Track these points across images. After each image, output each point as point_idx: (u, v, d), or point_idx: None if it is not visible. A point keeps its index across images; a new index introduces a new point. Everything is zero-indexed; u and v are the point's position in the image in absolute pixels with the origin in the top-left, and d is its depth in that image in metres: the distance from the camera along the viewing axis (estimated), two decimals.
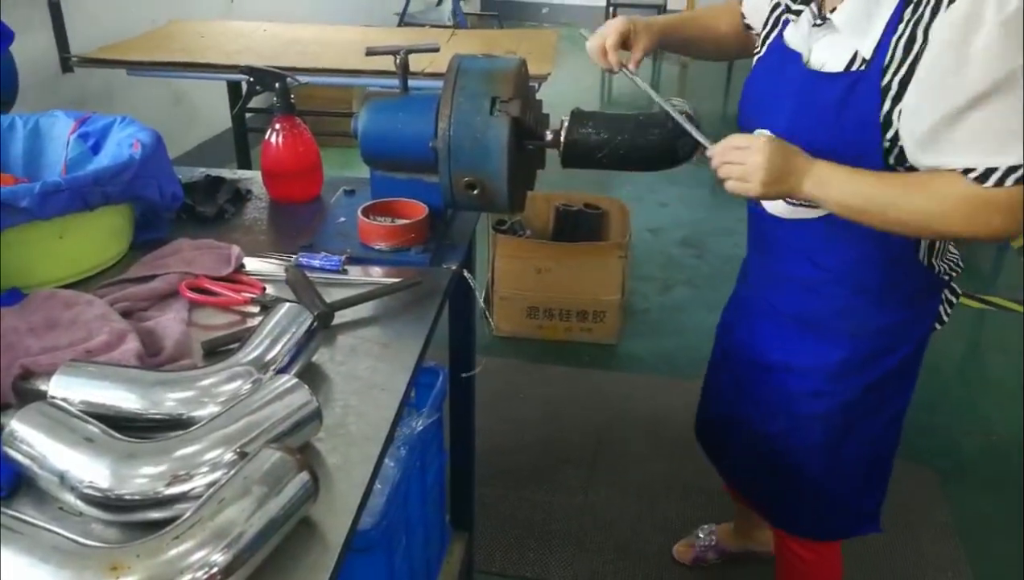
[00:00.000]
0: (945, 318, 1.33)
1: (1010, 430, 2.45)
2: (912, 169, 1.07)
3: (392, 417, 0.93)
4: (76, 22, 3.00)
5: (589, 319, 2.81)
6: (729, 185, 1.07)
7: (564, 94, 5.11)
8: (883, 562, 1.98)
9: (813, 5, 1.12)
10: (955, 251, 1.32)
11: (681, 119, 1.16)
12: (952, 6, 0.97)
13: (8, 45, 1.74)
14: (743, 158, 1.05)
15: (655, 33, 1.34)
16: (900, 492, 2.20)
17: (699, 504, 2.13)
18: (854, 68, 1.07)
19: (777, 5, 1.24)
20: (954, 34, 0.96)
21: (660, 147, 1.20)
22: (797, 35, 1.18)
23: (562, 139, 1.22)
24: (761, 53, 1.28)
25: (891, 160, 1.07)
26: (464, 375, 1.62)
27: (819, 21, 1.11)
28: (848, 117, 1.07)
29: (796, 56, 1.17)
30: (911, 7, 1.01)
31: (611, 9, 6.47)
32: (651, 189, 3.98)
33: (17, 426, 0.76)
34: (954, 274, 1.30)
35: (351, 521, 0.78)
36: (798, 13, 1.15)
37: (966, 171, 0.99)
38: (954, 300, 1.34)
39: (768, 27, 1.28)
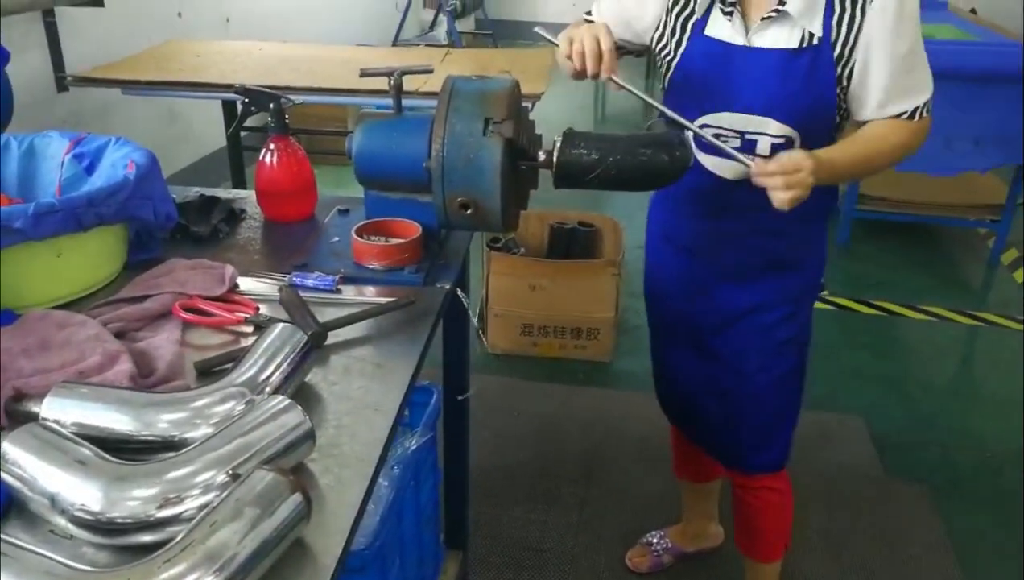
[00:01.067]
0: None
1: (1003, 446, 2.45)
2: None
3: (385, 438, 0.93)
4: (72, 41, 3.01)
5: (583, 336, 2.82)
6: (791, 202, 1.21)
7: (558, 112, 5.13)
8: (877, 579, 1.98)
9: (737, 7, 1.31)
10: None
11: (718, 143, 1.25)
12: None
13: (4, 65, 1.75)
14: (799, 181, 1.20)
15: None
16: (894, 509, 2.20)
17: None
18: (807, 45, 1.28)
19: (673, 10, 1.37)
20: (890, 8, 1.24)
21: (651, 167, 1.21)
22: (724, 29, 1.33)
23: (554, 160, 1.23)
24: (683, 50, 1.36)
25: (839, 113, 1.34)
26: (459, 398, 1.62)
27: (772, 14, 1.28)
28: (817, 80, 1.29)
29: (733, 46, 1.31)
30: None
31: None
32: (643, 206, 3.96)
33: (8, 448, 0.76)
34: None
35: (344, 542, 0.78)
36: (730, 13, 1.31)
37: (901, 114, 1.31)
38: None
39: (669, 30, 1.37)
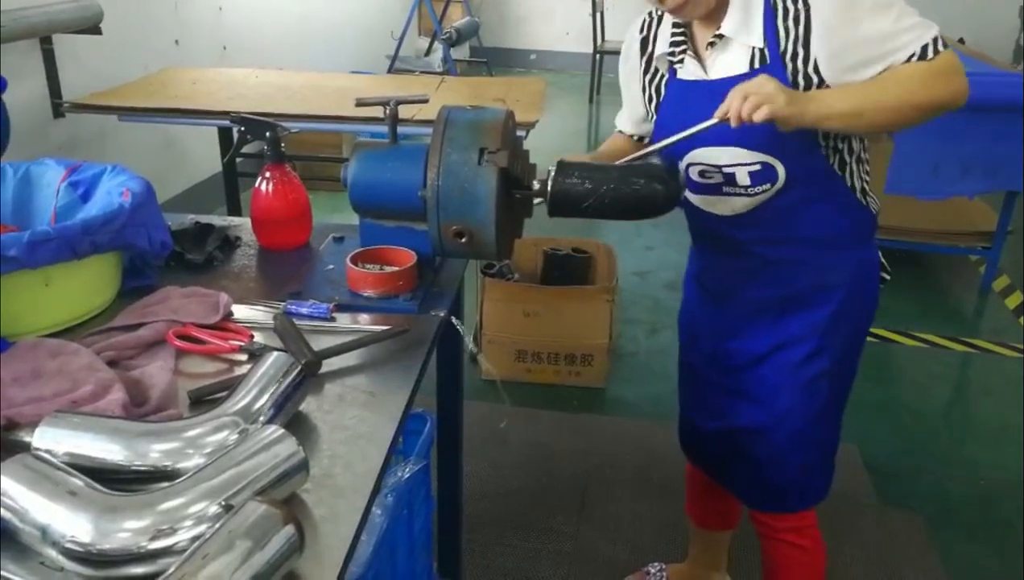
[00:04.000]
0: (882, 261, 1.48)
1: (997, 474, 2.45)
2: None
3: (379, 468, 0.92)
4: (69, 68, 3.03)
5: (577, 363, 2.82)
6: (762, 112, 1.16)
7: (552, 139, 5.17)
8: None
9: (688, 47, 1.33)
10: (875, 197, 1.44)
11: (677, 137, 1.26)
12: None
13: (2, 93, 1.76)
14: (759, 88, 1.17)
15: None
16: (888, 537, 2.19)
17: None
18: (757, 63, 1.26)
19: (649, 71, 1.42)
20: None
21: (643, 197, 1.22)
22: (690, 70, 1.34)
23: (548, 189, 1.24)
24: (662, 99, 1.40)
25: None
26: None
27: (714, 40, 1.28)
28: None
29: (698, 83, 1.32)
30: None
31: (598, 56, 6.58)
32: (637, 233, 4.01)
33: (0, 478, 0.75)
34: (877, 210, 1.44)
35: (337, 574, 0.77)
36: (683, 53, 1.33)
37: (909, 58, 1.20)
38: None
39: (648, 94, 1.43)
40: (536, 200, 1.29)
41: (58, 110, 2.96)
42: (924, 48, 1.21)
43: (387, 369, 1.13)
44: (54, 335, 1.13)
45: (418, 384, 1.11)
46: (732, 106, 1.18)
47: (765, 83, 1.17)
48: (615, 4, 6.66)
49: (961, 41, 4.92)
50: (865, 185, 1.39)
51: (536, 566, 2.06)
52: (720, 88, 1.25)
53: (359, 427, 0.99)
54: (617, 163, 1.29)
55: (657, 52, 1.38)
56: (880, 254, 1.47)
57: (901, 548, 2.14)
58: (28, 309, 1.12)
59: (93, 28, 3.03)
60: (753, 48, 1.26)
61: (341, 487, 0.89)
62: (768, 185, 1.31)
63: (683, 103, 1.35)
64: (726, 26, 1.26)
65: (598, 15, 6.45)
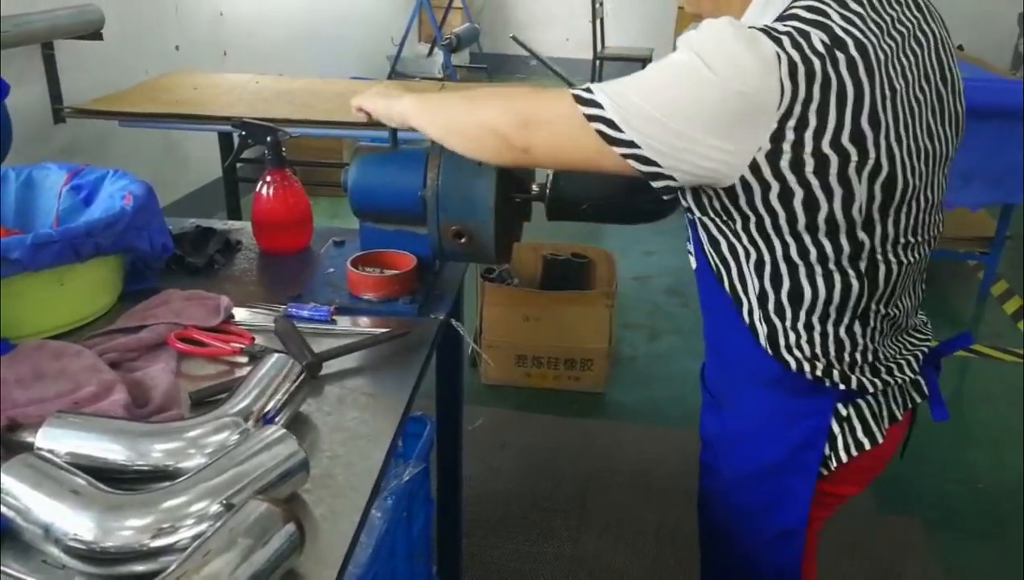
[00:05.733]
0: (844, 445, 1.08)
1: (995, 478, 2.45)
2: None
3: (379, 468, 0.93)
4: (70, 74, 3.04)
5: (577, 367, 2.82)
6: (353, 100, 1.24)
7: None
8: None
9: None
10: (847, 367, 1.04)
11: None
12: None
13: (4, 98, 1.77)
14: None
15: None
16: (887, 542, 2.19)
17: (689, 551, 2.11)
18: None
19: None
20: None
21: (640, 201, 1.23)
22: None
23: (547, 192, 1.25)
24: None
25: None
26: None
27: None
28: None
29: None
30: None
31: (597, 63, 6.60)
32: (637, 238, 4.02)
33: (2, 478, 0.76)
34: (848, 387, 1.04)
35: (337, 573, 0.78)
36: None
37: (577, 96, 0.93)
38: (861, 424, 1.09)
39: None
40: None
41: (59, 115, 2.97)
42: (589, 92, 0.92)
43: (387, 371, 1.14)
44: (57, 337, 1.13)
45: (418, 386, 1.12)
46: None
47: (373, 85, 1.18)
48: (615, 11, 6.69)
49: (960, 48, 4.94)
50: (786, 336, 1.02)
51: (536, 569, 2.06)
52: None
53: (359, 428, 1.00)
54: None
55: None
56: (843, 429, 1.09)
57: (900, 552, 2.14)
58: (31, 311, 1.13)
59: (94, 34, 3.05)
60: None
61: (341, 486, 0.89)
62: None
63: None
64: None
65: (598, 22, 6.47)
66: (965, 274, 3.89)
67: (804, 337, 1.02)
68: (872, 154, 0.89)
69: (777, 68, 0.84)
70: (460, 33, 6.07)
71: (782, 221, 0.93)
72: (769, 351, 1.04)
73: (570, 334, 2.78)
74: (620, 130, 0.90)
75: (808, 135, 0.86)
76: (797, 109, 0.85)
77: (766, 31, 0.87)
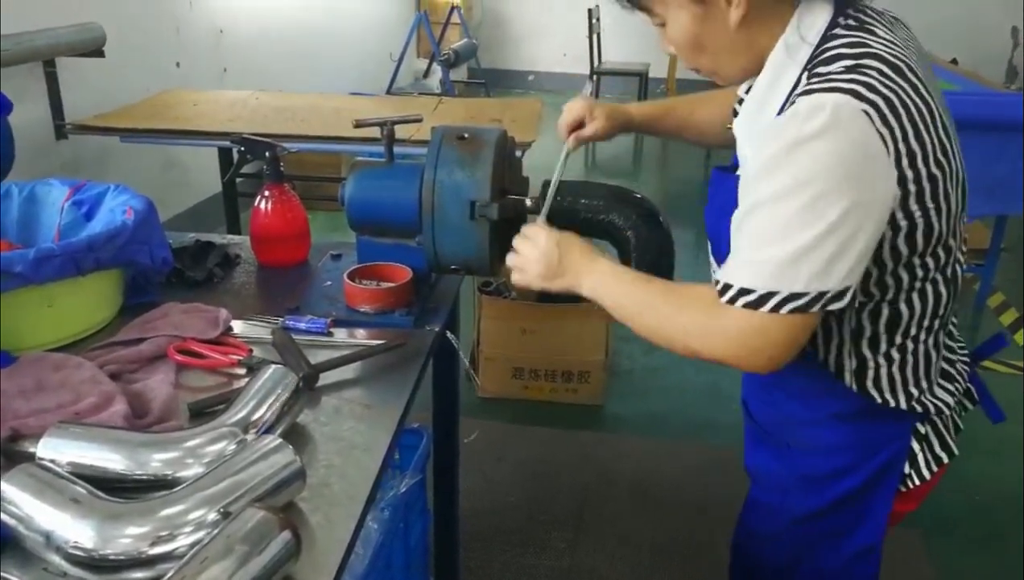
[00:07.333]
0: (925, 462, 1.12)
1: (993, 488, 2.46)
2: None
3: (374, 477, 0.94)
4: (72, 91, 3.07)
5: (574, 380, 2.84)
6: (513, 277, 1.10)
7: (549, 159, 5.21)
8: None
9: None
10: (926, 388, 1.06)
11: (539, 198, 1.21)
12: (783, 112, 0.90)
13: (7, 115, 1.79)
14: (523, 249, 1.08)
15: (618, 122, 1.32)
16: (886, 552, 2.19)
17: (685, 564, 2.12)
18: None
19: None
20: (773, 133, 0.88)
21: (621, 230, 1.26)
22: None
23: (541, 206, 1.26)
24: None
25: None
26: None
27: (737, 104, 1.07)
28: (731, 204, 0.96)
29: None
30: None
31: (595, 77, 6.65)
32: None
33: (4, 487, 0.77)
34: (926, 410, 1.06)
35: (332, 579, 0.79)
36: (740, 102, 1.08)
37: (742, 292, 0.89)
38: (935, 439, 1.12)
39: None
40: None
41: (61, 131, 3.00)
42: (765, 297, 0.87)
43: (383, 382, 1.15)
44: (58, 350, 1.15)
45: (413, 396, 1.13)
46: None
47: (533, 249, 1.05)
48: (612, 26, 6.75)
49: (954, 61, 4.98)
50: (869, 370, 1.02)
51: None
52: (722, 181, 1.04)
53: (355, 438, 1.01)
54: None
55: None
56: (924, 449, 1.12)
57: (900, 563, 2.15)
58: (33, 324, 1.14)
59: (96, 51, 3.08)
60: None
61: (337, 495, 0.91)
62: None
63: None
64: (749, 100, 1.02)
65: (595, 37, 6.52)
66: (961, 286, 3.90)
67: (896, 360, 1.01)
68: (954, 163, 0.92)
69: (885, 153, 0.84)
70: (458, 49, 6.12)
71: (902, 262, 0.93)
72: (854, 387, 1.02)
73: (567, 347, 2.80)
74: (804, 295, 0.86)
75: (919, 163, 0.87)
76: (902, 147, 0.86)
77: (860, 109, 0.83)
